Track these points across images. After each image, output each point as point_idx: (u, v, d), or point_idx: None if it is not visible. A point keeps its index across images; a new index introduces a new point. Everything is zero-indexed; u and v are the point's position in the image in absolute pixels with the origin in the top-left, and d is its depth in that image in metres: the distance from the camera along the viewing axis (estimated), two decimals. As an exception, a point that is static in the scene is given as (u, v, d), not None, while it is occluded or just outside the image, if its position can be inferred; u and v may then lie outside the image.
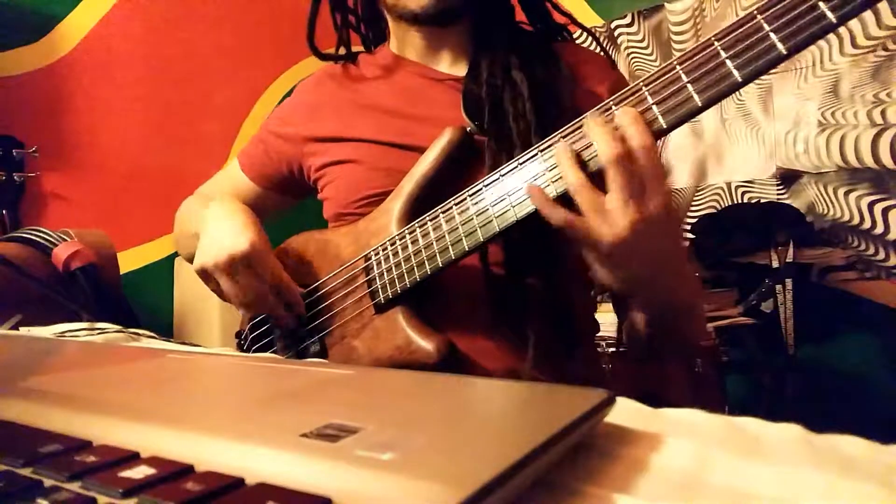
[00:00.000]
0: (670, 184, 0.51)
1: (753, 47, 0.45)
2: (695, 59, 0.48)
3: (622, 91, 0.51)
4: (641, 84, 0.50)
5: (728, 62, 0.46)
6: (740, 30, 0.46)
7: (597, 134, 0.50)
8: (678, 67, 0.49)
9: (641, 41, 2.08)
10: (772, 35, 0.45)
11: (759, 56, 0.45)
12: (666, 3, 2.02)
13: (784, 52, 0.44)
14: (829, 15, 0.43)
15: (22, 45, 1.79)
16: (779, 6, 0.45)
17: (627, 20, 2.10)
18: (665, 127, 0.49)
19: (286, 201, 0.87)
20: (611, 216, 0.49)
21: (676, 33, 2.01)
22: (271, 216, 0.88)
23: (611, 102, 0.52)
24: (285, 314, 0.69)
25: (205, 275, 0.69)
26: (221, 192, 0.87)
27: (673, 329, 0.64)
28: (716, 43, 0.47)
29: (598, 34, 2.15)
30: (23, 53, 1.79)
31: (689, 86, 0.48)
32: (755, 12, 0.46)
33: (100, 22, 1.94)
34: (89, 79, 1.91)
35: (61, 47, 1.86)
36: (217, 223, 0.69)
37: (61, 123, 1.84)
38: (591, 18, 2.18)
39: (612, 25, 2.13)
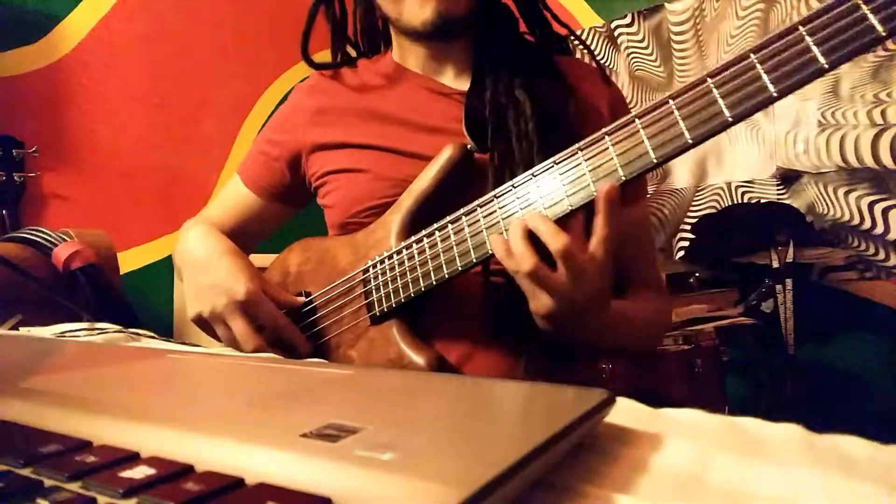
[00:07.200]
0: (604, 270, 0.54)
1: (744, 87, 0.46)
2: (687, 94, 0.48)
3: (615, 124, 0.51)
4: (634, 118, 0.50)
5: (720, 100, 0.46)
6: (734, 68, 0.46)
7: (546, 233, 0.51)
8: (671, 102, 0.49)
9: (641, 41, 2.08)
10: (764, 76, 0.45)
11: (750, 96, 0.46)
12: (666, 3, 2.02)
13: (775, 94, 0.45)
14: (821, 60, 0.43)
15: (22, 45, 1.79)
16: (773, 46, 0.45)
17: (627, 20, 2.10)
18: (655, 161, 0.49)
19: (290, 212, 0.86)
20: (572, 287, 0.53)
21: (676, 33, 2.01)
22: (276, 228, 0.88)
23: (604, 133, 0.52)
24: (287, 353, 0.68)
25: (202, 323, 0.69)
26: (224, 216, 0.85)
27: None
28: (709, 81, 0.47)
29: (597, 34, 2.15)
30: (23, 53, 1.79)
31: (680, 121, 0.48)
32: (749, 52, 0.46)
33: (100, 22, 1.93)
34: (89, 79, 1.90)
35: (61, 47, 1.86)
36: (206, 268, 0.69)
37: (61, 123, 1.84)
38: (591, 18, 2.18)
39: (612, 25, 2.13)
